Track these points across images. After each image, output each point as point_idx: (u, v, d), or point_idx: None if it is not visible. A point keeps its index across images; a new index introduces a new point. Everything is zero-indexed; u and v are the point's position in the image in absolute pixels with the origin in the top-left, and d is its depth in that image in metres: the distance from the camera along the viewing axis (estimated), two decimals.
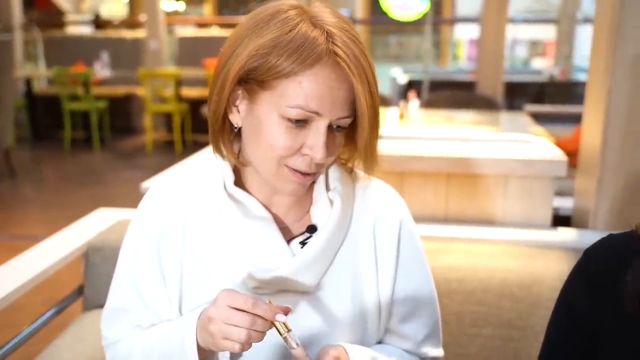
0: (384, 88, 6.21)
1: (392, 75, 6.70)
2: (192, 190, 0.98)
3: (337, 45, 0.82)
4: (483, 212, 1.75)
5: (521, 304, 1.46)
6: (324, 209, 0.96)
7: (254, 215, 0.94)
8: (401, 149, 1.74)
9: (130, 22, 10.24)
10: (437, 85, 5.34)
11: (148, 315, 0.98)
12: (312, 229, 0.96)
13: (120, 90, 7.40)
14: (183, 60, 7.81)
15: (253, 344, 0.81)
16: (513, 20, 7.82)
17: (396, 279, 0.99)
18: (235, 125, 0.91)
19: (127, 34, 8.50)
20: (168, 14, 8.64)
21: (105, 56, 7.22)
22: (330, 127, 0.86)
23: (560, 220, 1.88)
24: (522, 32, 9.89)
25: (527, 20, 7.44)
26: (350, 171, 1.01)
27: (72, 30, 9.67)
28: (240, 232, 0.93)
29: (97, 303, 1.57)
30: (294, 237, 0.96)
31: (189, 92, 7.00)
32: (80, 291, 1.62)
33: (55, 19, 9.94)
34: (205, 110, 4.26)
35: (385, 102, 4.50)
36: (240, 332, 0.79)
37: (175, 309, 0.96)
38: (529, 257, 1.52)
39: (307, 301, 0.93)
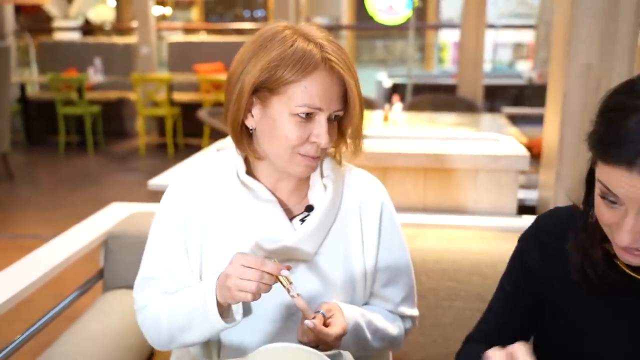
0: (369, 92, 6.45)
1: (377, 79, 6.94)
2: (210, 179, 1.19)
3: (329, 54, 1.05)
4: (456, 202, 1.97)
5: (489, 280, 1.67)
6: (319, 192, 1.18)
7: (262, 198, 1.15)
8: (384, 147, 1.96)
9: (120, 28, 10.40)
10: (421, 89, 5.57)
11: (173, 282, 1.18)
12: (309, 208, 1.18)
13: (112, 95, 7.57)
14: (173, 65, 8.00)
15: (262, 304, 1.01)
16: (493, 26, 8.10)
17: (378, 251, 1.21)
18: (251, 128, 1.13)
19: (119, 39, 8.66)
20: (157, 20, 8.81)
21: (98, 62, 7.39)
22: (328, 119, 1.08)
23: (527, 210, 2.11)
24: (507, 35, 10.16)
25: (506, 26, 7.74)
26: (340, 163, 1.23)
27: (61, 35, 9.80)
28: (251, 212, 1.15)
29: (116, 285, 1.77)
30: (295, 216, 1.18)
31: (181, 96, 7.19)
32: (100, 275, 1.82)
33: (43, 24, 10.06)
34: (201, 114, 4.46)
35: (371, 105, 4.72)
36: (251, 284, 1.00)
37: (197, 277, 1.17)
38: (496, 240, 1.73)
39: (306, 268, 1.15)
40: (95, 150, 7.09)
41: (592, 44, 1.78)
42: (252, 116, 1.11)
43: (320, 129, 1.07)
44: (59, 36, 9.69)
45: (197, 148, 5.37)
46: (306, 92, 1.05)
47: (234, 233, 1.15)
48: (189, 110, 6.93)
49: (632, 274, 0.96)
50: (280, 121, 1.07)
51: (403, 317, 1.26)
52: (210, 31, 10.30)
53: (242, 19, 12.74)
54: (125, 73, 7.79)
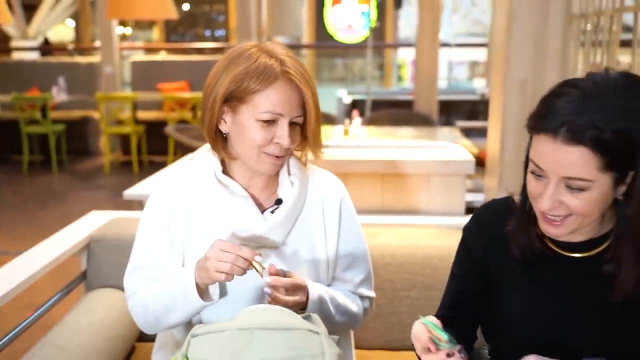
0: (330, 108, 6.67)
1: (337, 96, 7.18)
2: (191, 179, 1.36)
3: (288, 67, 1.24)
4: (411, 204, 2.17)
5: (440, 272, 1.86)
6: (287, 188, 1.36)
7: (237, 194, 1.33)
8: (344, 155, 2.16)
9: (81, 48, 10.42)
10: (379, 105, 5.82)
11: (159, 271, 1.34)
12: (279, 202, 1.35)
13: (76, 114, 7.60)
14: (137, 84, 8.09)
15: (239, 287, 1.17)
16: (447, 44, 8.45)
17: (339, 240, 1.39)
18: (224, 132, 1.30)
19: (81, 59, 8.70)
20: (119, 39, 8.88)
21: (61, 80, 7.44)
22: (290, 123, 1.26)
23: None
24: (464, 53, 10.56)
25: (460, 44, 8.12)
26: (305, 164, 1.41)
27: (20, 55, 9.76)
28: (227, 207, 1.32)
29: (99, 285, 1.91)
30: (266, 209, 1.35)
31: (145, 114, 7.28)
32: (82, 277, 1.95)
33: (1, 44, 10.01)
34: (168, 129, 4.59)
35: (331, 120, 4.94)
36: (226, 265, 1.17)
37: (179, 266, 1.34)
38: (447, 237, 1.93)
39: (276, 254, 1.32)
40: (59, 169, 7.11)
41: (527, 59, 2.01)
42: (225, 122, 1.30)
43: (282, 132, 1.25)
44: (18, 56, 9.66)
45: (162, 165, 5.49)
46: (268, 100, 1.23)
47: (213, 225, 1.32)
48: (153, 128, 7.02)
49: (557, 250, 1.16)
50: (248, 126, 1.25)
51: (362, 297, 1.44)
52: (172, 51, 10.42)
53: (203, 38, 12.89)
54: (89, 92, 7.86)
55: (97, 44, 7.93)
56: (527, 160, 1.14)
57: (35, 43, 10.06)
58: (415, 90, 5.44)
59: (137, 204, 2.44)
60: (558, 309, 1.16)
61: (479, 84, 9.56)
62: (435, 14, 5.29)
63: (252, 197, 1.35)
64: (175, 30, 12.46)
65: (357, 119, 4.21)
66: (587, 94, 1.01)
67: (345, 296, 1.39)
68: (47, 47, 10.25)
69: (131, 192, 2.48)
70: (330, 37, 10.54)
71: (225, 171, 1.36)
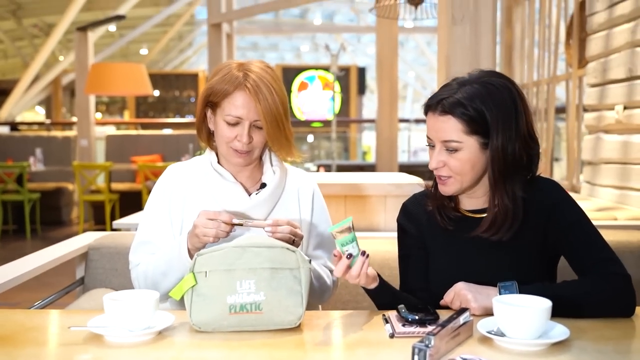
0: None
1: (304, 167, 7.60)
2: (191, 169, 1.66)
3: (248, 80, 1.53)
4: (371, 222, 2.49)
5: (395, 271, 2.15)
6: (269, 175, 1.66)
7: (229, 180, 1.63)
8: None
9: (56, 123, 10.72)
10: (344, 168, 6.23)
11: (160, 245, 1.61)
12: (263, 185, 1.65)
13: (50, 185, 7.82)
14: (110, 157, 8.37)
15: None
16: (407, 120, 9.05)
17: (311, 223, 1.69)
18: (212, 130, 1.63)
19: (58, 133, 9.01)
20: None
21: (39, 152, 7.71)
22: (252, 126, 1.55)
23: None
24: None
25: (418, 120, 8.76)
26: (284, 159, 1.71)
27: None
28: (220, 190, 1.62)
29: (96, 287, 2.14)
30: (251, 193, 1.64)
31: (119, 185, 7.54)
32: (80, 282, 2.18)
33: None
34: (149, 184, 4.87)
35: None
36: (211, 230, 1.44)
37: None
38: None
39: (259, 232, 1.60)
40: (32, 237, 7.23)
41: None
42: (212, 122, 1.62)
43: (241, 131, 1.55)
44: None
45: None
46: (231, 105, 1.54)
47: (207, 205, 1.61)
48: (127, 198, 7.27)
49: (467, 214, 1.52)
50: (219, 126, 1.58)
51: (330, 270, 1.72)
52: (145, 127, 10.80)
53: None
54: (64, 164, 8.11)
55: (73, 119, 8.25)
56: None
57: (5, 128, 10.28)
58: (377, 155, 5.88)
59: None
60: (470, 256, 1.50)
61: None
62: (393, 94, 5.90)
63: (241, 184, 1.64)
64: (147, 115, 12.86)
65: (322, 173, 4.57)
66: (460, 82, 1.45)
67: (319, 267, 1.66)
68: (23, 122, 10.51)
69: (120, 222, 2.75)
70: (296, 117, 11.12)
71: (219, 162, 1.67)
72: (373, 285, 1.41)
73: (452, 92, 1.42)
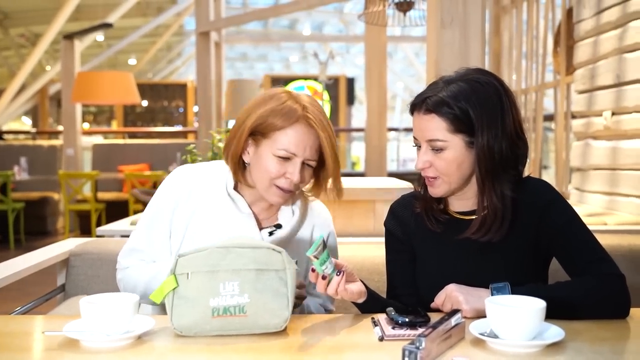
0: None
1: None
2: (204, 184, 1.53)
3: (309, 113, 1.43)
4: (360, 227, 2.44)
5: (385, 277, 2.11)
6: (287, 215, 1.55)
7: (242, 210, 1.51)
8: None
9: (42, 132, 10.63)
10: None
11: (152, 256, 1.54)
12: (278, 226, 1.54)
13: (35, 194, 7.72)
14: (97, 167, 8.30)
15: None
16: (396, 129, 9.05)
17: None
18: (247, 162, 1.50)
19: (43, 142, 8.92)
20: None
21: (23, 161, 7.61)
22: (303, 164, 1.44)
23: None
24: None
25: (407, 129, 8.75)
26: (307, 198, 1.60)
27: None
28: (230, 219, 1.50)
29: (77, 295, 2.08)
30: (263, 228, 1.53)
31: (105, 195, 7.45)
32: (61, 289, 2.12)
33: None
34: (134, 192, 4.81)
35: None
36: None
37: (173, 254, 1.51)
38: None
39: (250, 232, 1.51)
40: (16, 247, 7.12)
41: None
42: (248, 153, 1.49)
43: (294, 169, 1.42)
44: None
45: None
46: (287, 139, 1.41)
47: (214, 231, 1.50)
48: (114, 207, 7.17)
49: (456, 215, 1.48)
50: (265, 158, 1.44)
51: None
52: (133, 137, 10.72)
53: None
54: (50, 174, 8.02)
55: (60, 128, 8.18)
56: None
57: None
58: (366, 163, 5.86)
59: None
60: (460, 259, 1.46)
61: None
62: (382, 102, 5.90)
63: (254, 214, 1.53)
64: (135, 125, 12.77)
65: None
66: (446, 80, 1.41)
67: (314, 306, 1.57)
68: (9, 131, 10.41)
69: (104, 228, 2.70)
70: None
71: (236, 186, 1.54)
72: (361, 300, 1.37)
73: (437, 91, 1.39)
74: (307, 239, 1.58)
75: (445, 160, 1.38)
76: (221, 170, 1.56)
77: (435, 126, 1.38)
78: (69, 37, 8.00)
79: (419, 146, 1.43)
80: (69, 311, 1.96)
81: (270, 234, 1.53)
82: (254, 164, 1.47)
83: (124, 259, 1.58)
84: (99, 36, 12.66)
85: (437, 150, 1.39)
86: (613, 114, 3.56)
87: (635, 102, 3.29)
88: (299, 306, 1.46)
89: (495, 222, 1.39)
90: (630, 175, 3.42)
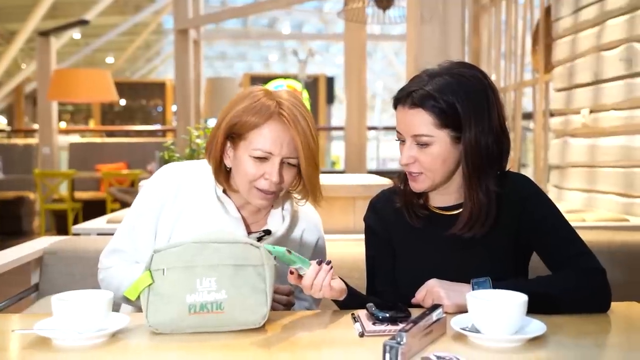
0: None
1: None
2: (192, 184, 1.48)
3: (283, 109, 1.36)
4: (340, 224, 2.42)
5: (364, 273, 2.11)
6: (277, 220, 1.50)
7: (230, 214, 1.47)
8: None
9: (17, 130, 10.47)
10: None
11: (135, 257, 1.49)
12: (267, 231, 1.48)
13: (10, 194, 7.58)
14: (74, 165, 8.17)
15: None
16: (376, 128, 9.07)
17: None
18: (228, 166, 1.44)
19: (19, 140, 8.77)
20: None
21: None
22: (282, 163, 1.38)
23: None
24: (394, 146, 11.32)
25: (386, 127, 8.77)
26: (297, 202, 1.54)
27: None
28: (219, 222, 1.45)
29: (52, 294, 2.03)
30: (252, 232, 1.49)
31: (82, 194, 7.34)
32: (34, 289, 2.07)
33: None
34: (112, 190, 4.74)
35: None
36: None
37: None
38: None
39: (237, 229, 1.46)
40: None
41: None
42: (229, 157, 1.43)
43: (271, 168, 1.36)
44: None
45: None
46: (261, 138, 1.35)
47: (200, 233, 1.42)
48: (91, 207, 7.05)
49: (437, 211, 1.46)
50: (243, 161, 1.38)
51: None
52: (111, 135, 10.60)
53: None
54: (25, 173, 7.88)
55: (35, 126, 8.05)
56: None
57: None
58: (346, 162, 5.85)
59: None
60: (441, 254, 1.44)
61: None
62: (362, 100, 5.90)
63: (243, 218, 1.48)
64: (113, 124, 12.64)
65: None
66: (430, 74, 1.38)
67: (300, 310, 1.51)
68: None
69: (80, 226, 2.64)
70: None
71: (225, 190, 1.49)
72: (342, 297, 1.34)
73: (422, 84, 1.35)
74: (296, 244, 1.54)
75: (431, 156, 1.36)
76: (210, 169, 1.50)
77: (421, 121, 1.35)
78: (45, 34, 7.87)
79: (402, 141, 1.40)
80: (43, 310, 1.91)
81: (259, 239, 1.47)
82: (235, 168, 1.43)
83: (106, 258, 1.53)
84: (76, 34, 12.50)
85: (423, 145, 1.36)
86: (591, 111, 3.59)
87: (613, 99, 3.32)
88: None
89: (480, 218, 1.38)
90: (608, 172, 3.45)
